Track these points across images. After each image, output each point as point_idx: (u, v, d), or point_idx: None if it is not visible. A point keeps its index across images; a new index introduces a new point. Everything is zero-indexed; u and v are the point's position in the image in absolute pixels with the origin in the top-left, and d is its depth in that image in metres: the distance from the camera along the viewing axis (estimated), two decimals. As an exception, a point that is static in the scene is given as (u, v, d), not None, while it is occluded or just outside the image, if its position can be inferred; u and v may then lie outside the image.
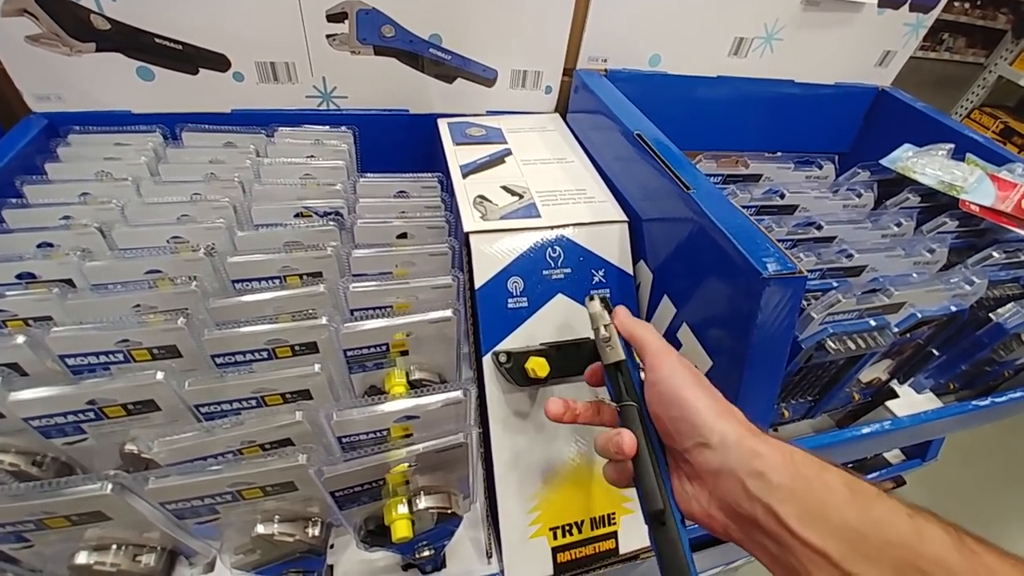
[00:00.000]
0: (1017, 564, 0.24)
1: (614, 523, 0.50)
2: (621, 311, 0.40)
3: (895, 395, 0.57)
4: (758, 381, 0.42)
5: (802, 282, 0.38)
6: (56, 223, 0.47)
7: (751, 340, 0.40)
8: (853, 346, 0.42)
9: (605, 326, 0.40)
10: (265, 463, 0.32)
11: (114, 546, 0.34)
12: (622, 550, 0.51)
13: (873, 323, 0.43)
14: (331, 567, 0.46)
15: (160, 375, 0.36)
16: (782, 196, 0.57)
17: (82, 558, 0.33)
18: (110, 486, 0.30)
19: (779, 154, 0.64)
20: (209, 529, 0.37)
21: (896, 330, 0.44)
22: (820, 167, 0.65)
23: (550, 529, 0.49)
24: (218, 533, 0.37)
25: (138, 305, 0.42)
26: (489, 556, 0.50)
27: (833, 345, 0.42)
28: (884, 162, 0.64)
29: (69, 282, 0.44)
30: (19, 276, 0.43)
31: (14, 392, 0.34)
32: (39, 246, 0.46)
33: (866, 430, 0.51)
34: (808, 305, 0.44)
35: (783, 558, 0.27)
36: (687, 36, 0.69)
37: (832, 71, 0.78)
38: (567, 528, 0.49)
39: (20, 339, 0.36)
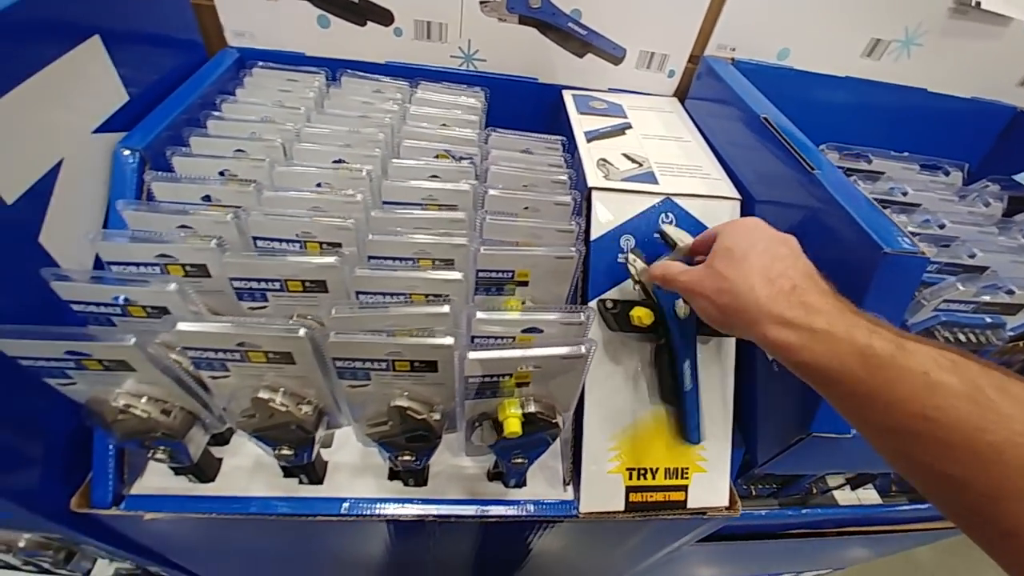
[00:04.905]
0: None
1: (687, 477, 0.53)
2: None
3: (994, 410, 0.56)
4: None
5: (922, 263, 0.40)
6: (247, 135, 0.56)
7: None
8: (964, 339, 0.43)
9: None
10: (418, 339, 0.38)
11: (282, 389, 0.42)
12: (690, 504, 0.54)
13: (988, 320, 0.43)
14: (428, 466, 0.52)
15: (302, 332, 0.37)
16: (904, 193, 0.57)
17: (264, 393, 0.40)
18: (303, 331, 0.37)
19: (905, 154, 0.64)
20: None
21: (1011, 332, 0.44)
22: (947, 173, 0.64)
23: (627, 469, 0.52)
24: (357, 410, 0.43)
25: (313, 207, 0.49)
26: (566, 484, 0.54)
27: (943, 333, 0.42)
28: (1018, 177, 0.62)
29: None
30: (220, 172, 0.52)
31: (181, 324, 0.37)
32: (235, 151, 0.55)
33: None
34: (919, 293, 0.45)
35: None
36: (821, 32, 0.69)
37: (969, 84, 0.76)
38: (643, 472, 0.53)
39: (212, 244, 0.43)
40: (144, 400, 0.41)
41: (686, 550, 0.72)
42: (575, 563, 0.77)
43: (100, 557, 0.87)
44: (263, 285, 0.44)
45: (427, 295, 0.44)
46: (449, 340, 0.38)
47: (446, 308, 0.40)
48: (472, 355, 0.37)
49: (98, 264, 0.47)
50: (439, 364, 0.39)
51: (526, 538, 0.61)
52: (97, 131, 0.47)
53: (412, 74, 0.70)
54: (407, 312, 0.40)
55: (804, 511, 0.68)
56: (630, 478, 0.53)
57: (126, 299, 0.41)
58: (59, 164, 0.43)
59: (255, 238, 0.47)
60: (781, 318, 0.33)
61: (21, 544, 0.78)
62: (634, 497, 0.53)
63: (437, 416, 0.43)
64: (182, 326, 0.37)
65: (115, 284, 0.40)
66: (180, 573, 0.71)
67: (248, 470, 0.52)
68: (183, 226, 0.46)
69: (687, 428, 0.51)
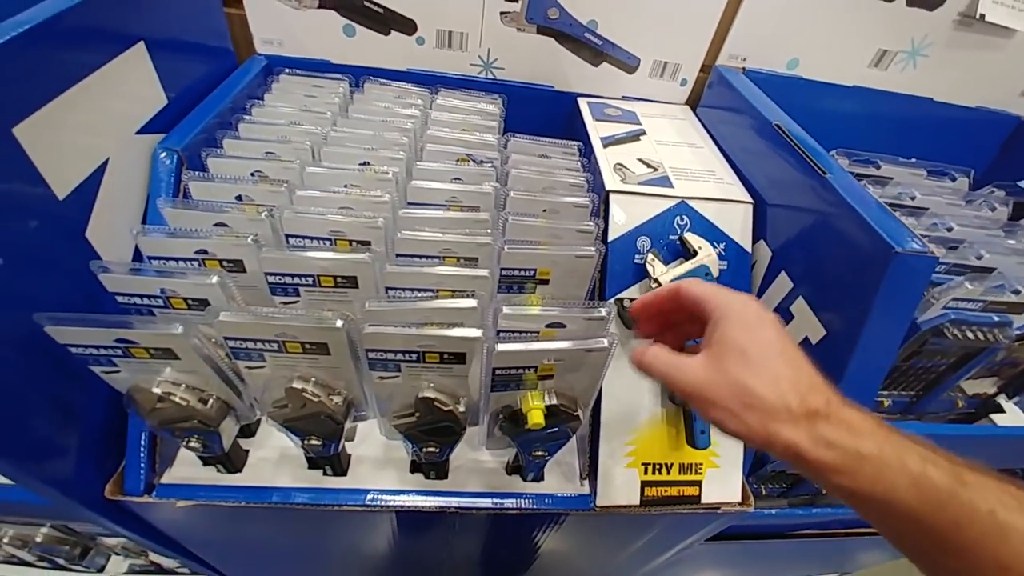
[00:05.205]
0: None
1: (700, 473, 0.55)
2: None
3: (1001, 409, 0.57)
4: (871, 353, 0.45)
5: (932, 262, 0.41)
6: (277, 138, 0.58)
7: (872, 313, 0.43)
8: (972, 337, 0.44)
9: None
10: (448, 331, 0.40)
11: (313, 380, 0.43)
12: (704, 499, 0.55)
13: (996, 318, 0.45)
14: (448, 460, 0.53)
15: (339, 323, 0.39)
16: (913, 198, 0.58)
17: (297, 383, 0.42)
18: (340, 321, 0.38)
19: (913, 161, 0.66)
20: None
21: (1018, 331, 0.45)
22: (953, 179, 0.65)
23: (642, 464, 0.54)
24: (385, 405, 0.45)
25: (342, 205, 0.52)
26: (583, 478, 0.56)
27: (952, 331, 0.44)
28: (1023, 183, 0.63)
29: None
30: (252, 173, 0.54)
31: (223, 314, 0.38)
32: (266, 153, 0.57)
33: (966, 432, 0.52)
34: (929, 292, 0.46)
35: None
36: (829, 43, 0.71)
37: (973, 94, 0.78)
38: (657, 467, 0.54)
39: (249, 239, 0.45)
40: (183, 388, 0.42)
41: (695, 550, 0.73)
42: (588, 562, 0.78)
43: (115, 553, 0.88)
44: (296, 280, 0.45)
45: (454, 291, 0.46)
46: (478, 332, 0.39)
47: (474, 302, 0.42)
48: (501, 347, 0.39)
49: (136, 258, 0.49)
50: (467, 356, 0.41)
51: (542, 534, 0.63)
52: (139, 132, 0.50)
53: (432, 81, 0.73)
54: (437, 306, 0.41)
55: (814, 510, 0.69)
56: (645, 473, 0.54)
57: (162, 290, 0.42)
58: (105, 163, 0.45)
59: (288, 236, 0.49)
60: (822, 439, 0.30)
61: (38, 539, 0.80)
62: (649, 492, 0.54)
63: (462, 408, 0.45)
64: (224, 316, 0.38)
65: (158, 277, 0.41)
66: (199, 566, 0.72)
67: (274, 462, 0.53)
68: (219, 223, 0.48)
69: (693, 432, 0.51)
